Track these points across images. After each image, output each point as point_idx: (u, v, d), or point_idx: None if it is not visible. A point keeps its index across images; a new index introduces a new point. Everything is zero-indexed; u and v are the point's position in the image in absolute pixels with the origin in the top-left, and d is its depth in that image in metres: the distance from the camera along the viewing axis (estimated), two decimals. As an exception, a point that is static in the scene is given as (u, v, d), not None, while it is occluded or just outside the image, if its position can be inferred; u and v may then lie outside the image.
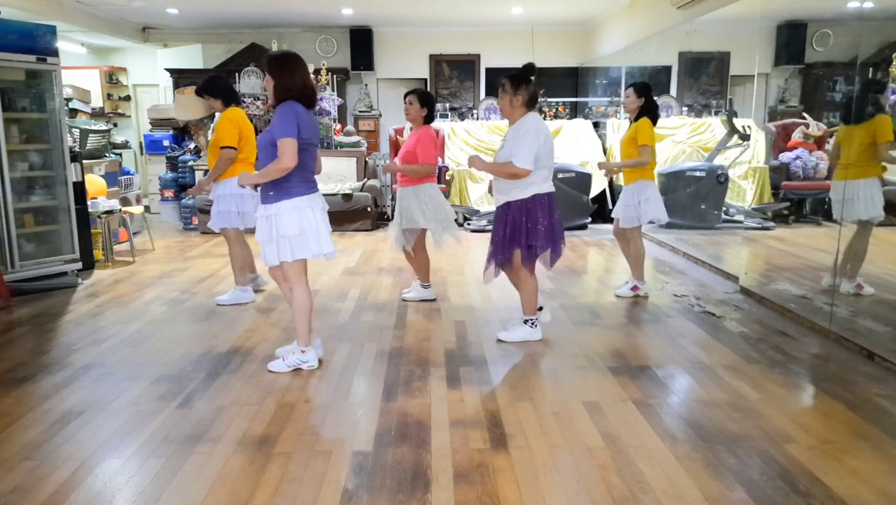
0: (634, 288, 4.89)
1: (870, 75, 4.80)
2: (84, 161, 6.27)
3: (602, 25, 9.62)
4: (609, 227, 8.38)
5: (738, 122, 7.20)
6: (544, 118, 8.62)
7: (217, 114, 4.74)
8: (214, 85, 4.68)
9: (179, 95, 8.86)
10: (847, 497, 2.24)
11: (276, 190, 3.23)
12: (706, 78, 8.58)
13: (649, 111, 4.63)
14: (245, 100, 8.12)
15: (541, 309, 4.03)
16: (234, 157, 4.55)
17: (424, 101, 4.47)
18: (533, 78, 3.68)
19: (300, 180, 3.25)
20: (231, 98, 4.68)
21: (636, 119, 4.66)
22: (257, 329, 4.18)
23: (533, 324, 3.93)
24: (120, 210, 6.40)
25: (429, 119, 4.54)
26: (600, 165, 5.27)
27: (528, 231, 3.70)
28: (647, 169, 4.68)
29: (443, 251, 4.98)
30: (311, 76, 3.26)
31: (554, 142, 3.85)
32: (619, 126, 8.65)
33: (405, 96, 4.56)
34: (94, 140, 7.74)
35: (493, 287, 4.70)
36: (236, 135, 4.55)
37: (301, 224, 3.23)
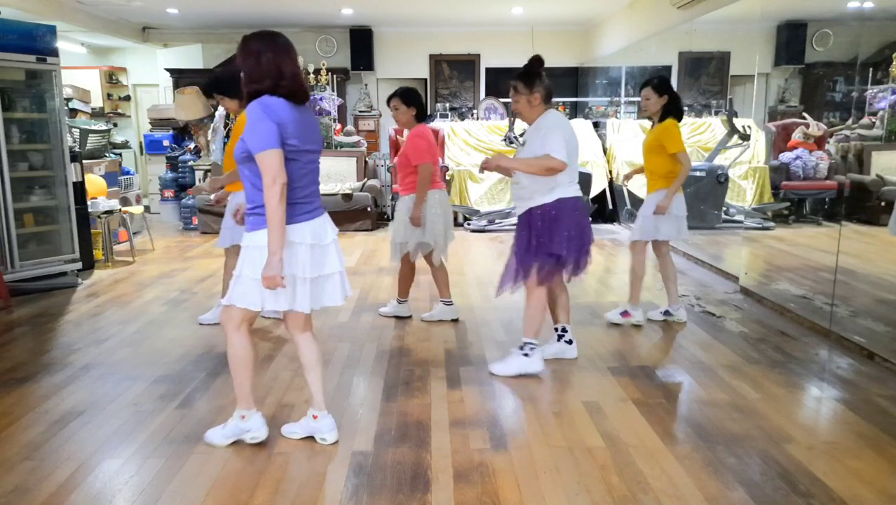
0: (666, 313, 4.33)
1: (870, 75, 4.80)
2: (84, 161, 6.27)
3: (602, 25, 9.61)
4: (609, 227, 8.45)
5: (738, 122, 7.20)
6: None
7: (217, 114, 4.69)
8: (226, 83, 4.03)
9: (179, 95, 8.86)
10: (847, 497, 2.24)
11: (262, 213, 2.38)
12: (706, 78, 8.57)
13: (675, 111, 4.06)
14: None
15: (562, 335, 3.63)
16: None
17: (409, 100, 4.02)
18: (543, 71, 3.32)
19: (297, 199, 2.45)
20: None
21: (661, 120, 4.09)
22: (257, 329, 4.18)
23: (531, 349, 3.39)
24: (120, 210, 6.39)
25: (420, 117, 4.10)
26: (658, 210, 4.11)
27: (551, 240, 3.28)
28: (672, 178, 4.09)
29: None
30: (296, 60, 2.45)
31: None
32: (618, 126, 8.65)
33: (388, 101, 4.11)
34: (94, 140, 7.74)
35: (493, 287, 4.68)
36: None
37: (290, 264, 2.42)
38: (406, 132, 4.25)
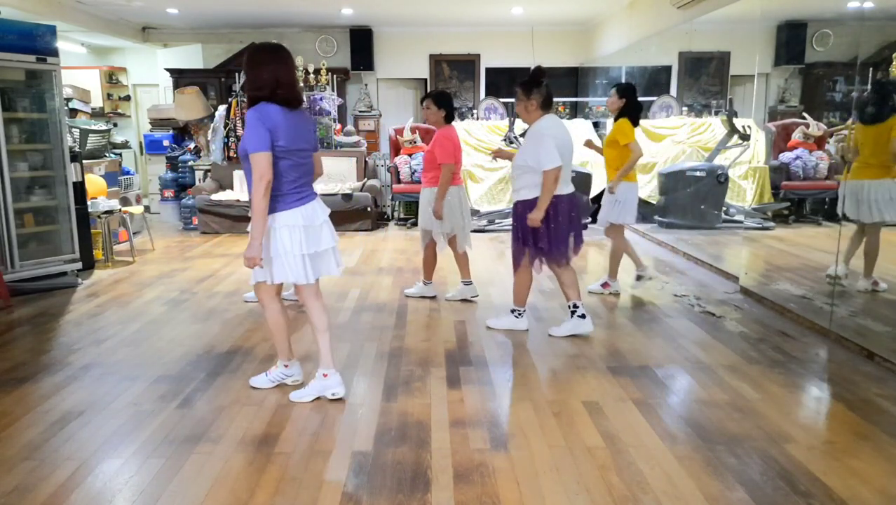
0: (605, 285, 4.97)
1: (870, 75, 4.80)
2: (84, 161, 6.27)
3: (602, 25, 9.62)
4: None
5: (738, 122, 7.20)
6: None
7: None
8: None
9: (179, 95, 8.87)
10: (847, 497, 2.24)
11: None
12: (706, 78, 8.57)
13: (629, 112, 4.65)
14: (243, 100, 8.10)
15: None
16: None
17: (440, 102, 4.48)
18: (544, 81, 3.74)
19: (289, 190, 2.86)
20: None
21: (616, 119, 4.71)
22: (257, 329, 4.18)
23: (519, 314, 4.05)
24: (120, 210, 6.39)
25: (449, 119, 4.54)
26: (610, 190, 4.92)
27: (533, 232, 3.74)
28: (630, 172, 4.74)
29: (445, 251, 4.89)
30: (292, 71, 2.85)
31: (573, 142, 3.86)
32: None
33: (422, 101, 4.54)
34: (94, 140, 7.74)
35: (494, 286, 4.70)
36: None
37: (291, 244, 2.85)
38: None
